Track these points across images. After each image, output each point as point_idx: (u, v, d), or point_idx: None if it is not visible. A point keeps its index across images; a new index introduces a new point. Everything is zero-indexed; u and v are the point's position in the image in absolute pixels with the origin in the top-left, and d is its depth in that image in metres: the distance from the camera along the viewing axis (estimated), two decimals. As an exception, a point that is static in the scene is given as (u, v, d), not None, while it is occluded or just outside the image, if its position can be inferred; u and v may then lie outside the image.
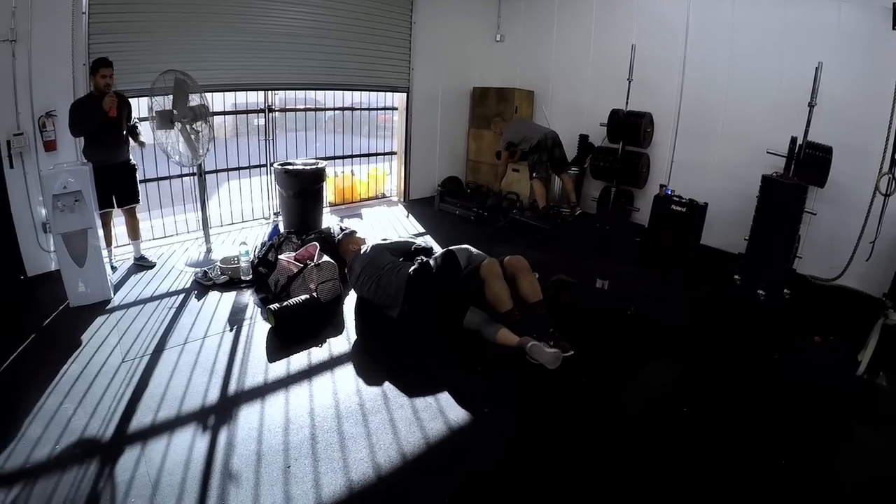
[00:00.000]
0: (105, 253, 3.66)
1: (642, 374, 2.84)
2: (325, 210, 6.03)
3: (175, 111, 3.70)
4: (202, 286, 3.78)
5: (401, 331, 3.16)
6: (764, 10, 4.46)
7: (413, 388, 2.61)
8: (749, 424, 2.44)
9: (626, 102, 5.28)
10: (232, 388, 2.59)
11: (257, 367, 2.76)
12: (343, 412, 2.40)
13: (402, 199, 6.78)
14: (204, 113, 3.77)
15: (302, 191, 4.93)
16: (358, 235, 3.85)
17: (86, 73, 3.78)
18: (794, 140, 4.02)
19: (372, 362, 2.86)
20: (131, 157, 3.99)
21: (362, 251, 3.45)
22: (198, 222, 4.49)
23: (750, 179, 4.18)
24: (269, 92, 5.36)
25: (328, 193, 6.27)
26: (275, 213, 5.48)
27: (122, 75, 3.82)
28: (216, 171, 5.26)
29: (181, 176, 4.79)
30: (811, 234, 4.25)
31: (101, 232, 3.78)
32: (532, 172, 5.53)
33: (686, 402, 2.56)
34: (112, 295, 3.55)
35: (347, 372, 2.73)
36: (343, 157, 6.39)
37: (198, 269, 3.96)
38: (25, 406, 2.36)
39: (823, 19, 4.10)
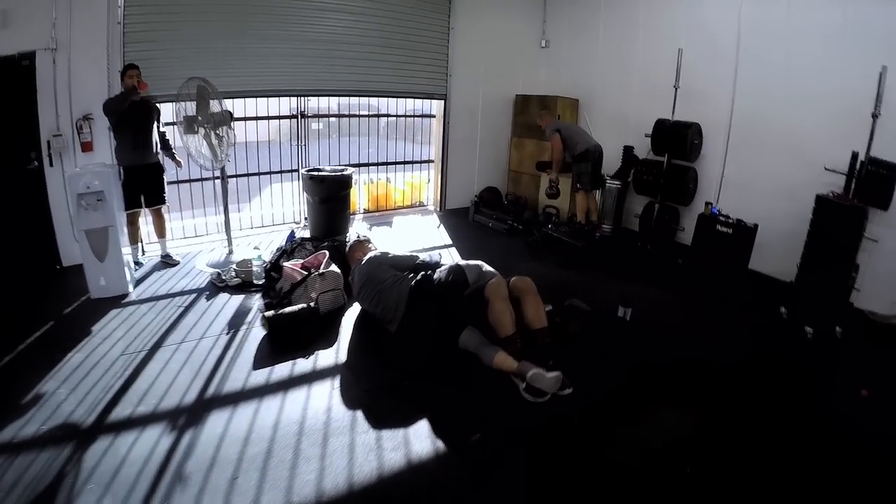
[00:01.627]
0: (128, 250, 3.85)
1: (648, 422, 2.50)
2: (357, 217, 6.08)
3: (199, 117, 3.82)
4: (215, 287, 3.86)
5: (394, 348, 3.04)
6: (822, 11, 4.00)
7: (385, 412, 2.48)
8: (762, 490, 2.09)
9: (673, 111, 4.93)
10: (210, 391, 2.59)
11: (240, 373, 2.75)
12: (306, 429, 2.31)
13: (438, 209, 6.70)
14: (225, 119, 3.86)
15: (328, 197, 4.96)
16: (369, 244, 3.77)
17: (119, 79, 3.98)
18: (854, 156, 3.55)
19: (352, 380, 2.76)
20: (160, 160, 4.17)
21: (362, 262, 3.37)
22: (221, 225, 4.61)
23: (807, 199, 3.73)
24: (303, 98, 5.46)
25: (363, 200, 6.32)
26: (305, 219, 5.58)
27: (154, 80, 3.99)
28: (247, 175, 5.42)
29: (212, 179, 4.97)
30: (872, 263, 3.72)
31: (126, 230, 3.99)
32: (576, 184, 5.27)
33: (692, 460, 2.22)
34: (131, 290, 3.70)
35: (324, 388, 2.65)
36: (377, 165, 6.41)
37: (214, 271, 4.06)
38: (26, 387, 2.52)
39: (888, 19, 3.61)
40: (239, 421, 2.37)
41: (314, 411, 2.45)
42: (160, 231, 4.33)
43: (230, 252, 4.49)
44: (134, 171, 3.94)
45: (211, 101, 3.78)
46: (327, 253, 3.78)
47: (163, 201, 4.22)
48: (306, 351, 2.96)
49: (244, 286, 3.88)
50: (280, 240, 5.03)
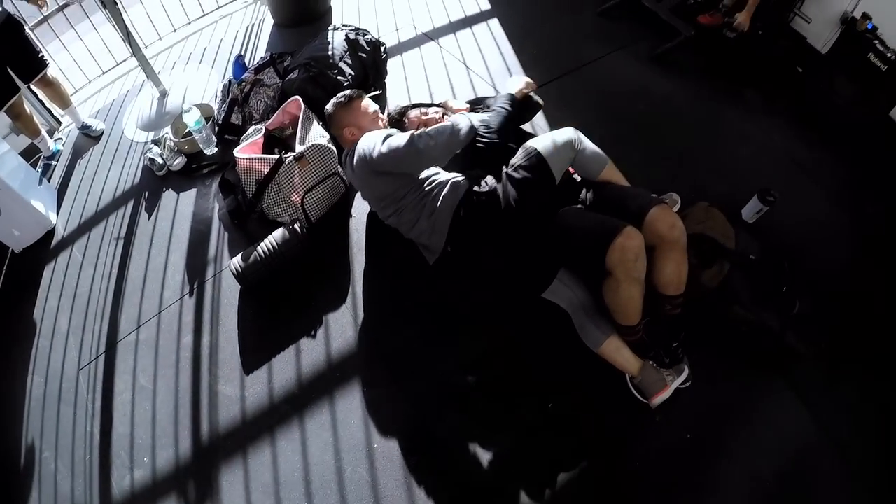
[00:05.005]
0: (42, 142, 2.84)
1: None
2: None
3: None
4: (154, 177, 2.62)
5: (439, 289, 1.95)
6: None
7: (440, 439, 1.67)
8: None
9: None
10: (204, 430, 1.82)
11: (230, 386, 1.88)
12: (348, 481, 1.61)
13: None
14: None
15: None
16: (361, 102, 1.94)
17: None
18: None
19: (382, 371, 1.84)
20: (9, 10, 2.46)
21: (357, 155, 1.78)
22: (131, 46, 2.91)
23: None
24: None
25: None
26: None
27: None
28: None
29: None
30: None
31: (16, 128, 2.82)
32: None
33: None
34: (54, 220, 2.59)
35: (352, 402, 1.76)
36: None
37: (150, 141, 2.73)
38: (11, 453, 1.93)
39: None
40: (258, 477, 1.68)
41: (350, 444, 1.68)
42: (62, 101, 2.88)
43: (163, 94, 3.01)
44: None
45: None
46: (300, 101, 2.26)
47: (43, 65, 2.64)
48: (309, 324, 1.95)
49: (192, 166, 2.60)
50: (235, 40, 3.36)
